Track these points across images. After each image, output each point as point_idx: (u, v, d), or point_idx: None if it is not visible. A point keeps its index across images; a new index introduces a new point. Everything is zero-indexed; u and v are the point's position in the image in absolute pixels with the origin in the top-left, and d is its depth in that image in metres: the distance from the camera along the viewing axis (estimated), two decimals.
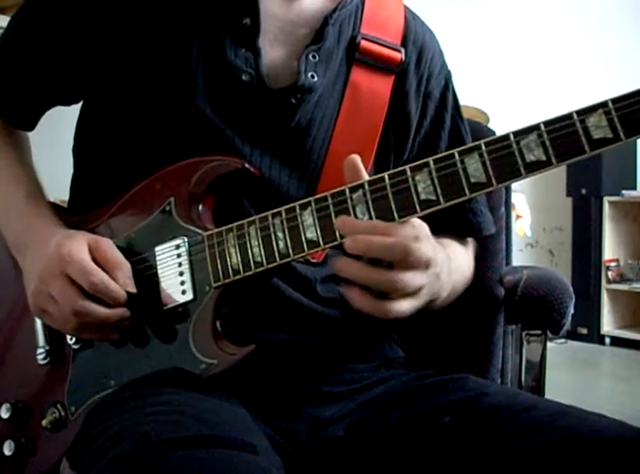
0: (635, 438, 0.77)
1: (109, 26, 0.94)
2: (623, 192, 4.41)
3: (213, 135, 0.93)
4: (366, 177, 0.82)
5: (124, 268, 0.89)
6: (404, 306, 0.81)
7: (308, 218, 0.84)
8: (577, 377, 3.82)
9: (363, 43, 0.98)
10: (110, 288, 0.87)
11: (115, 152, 0.99)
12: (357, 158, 0.83)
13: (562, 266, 4.70)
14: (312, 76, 0.95)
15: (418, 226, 0.82)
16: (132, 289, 0.88)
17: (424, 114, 1.05)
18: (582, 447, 0.78)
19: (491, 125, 1.31)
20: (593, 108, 0.72)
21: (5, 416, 0.99)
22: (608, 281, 4.48)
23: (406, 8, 1.06)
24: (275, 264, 0.85)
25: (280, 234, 0.85)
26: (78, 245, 0.88)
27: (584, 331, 4.50)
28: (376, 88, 0.99)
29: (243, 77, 0.93)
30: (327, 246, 0.84)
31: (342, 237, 0.82)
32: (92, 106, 1.02)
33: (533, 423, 0.83)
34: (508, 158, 0.76)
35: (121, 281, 0.88)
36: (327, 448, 0.93)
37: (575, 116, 0.73)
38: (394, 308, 0.81)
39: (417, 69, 1.03)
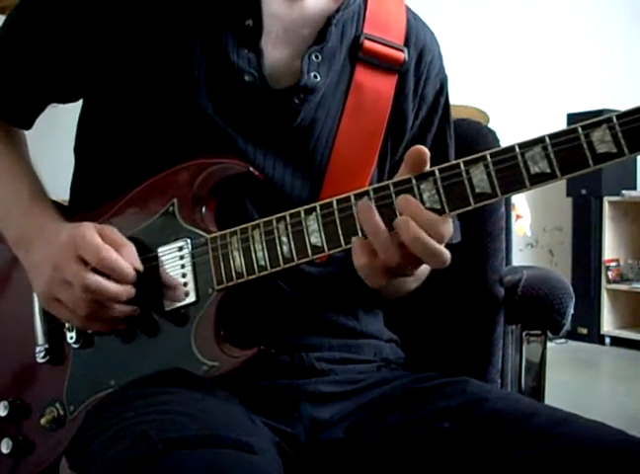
0: (636, 449, 0.77)
1: (111, 25, 0.94)
2: (623, 192, 4.40)
3: (216, 136, 0.93)
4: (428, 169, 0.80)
5: (130, 247, 0.90)
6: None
7: (313, 224, 0.84)
8: (577, 377, 3.82)
9: (367, 43, 0.98)
10: (119, 263, 0.88)
11: (116, 152, 0.99)
12: (423, 149, 0.80)
13: (562, 266, 4.70)
14: (315, 76, 0.95)
15: (449, 226, 0.81)
16: (139, 266, 0.89)
17: (416, 115, 1.05)
18: (582, 457, 0.77)
19: (491, 125, 1.31)
20: (597, 123, 0.73)
21: (3, 414, 0.99)
22: (608, 281, 4.48)
23: (408, 9, 1.06)
24: (278, 268, 0.86)
25: (284, 238, 0.85)
26: (89, 230, 0.89)
27: (584, 331, 4.50)
28: (380, 88, 0.99)
29: (245, 78, 0.93)
30: (331, 251, 0.84)
31: (346, 243, 0.82)
32: (93, 105, 1.02)
33: (534, 430, 0.82)
34: (513, 169, 0.76)
35: (127, 259, 0.89)
36: (326, 451, 0.93)
37: (580, 130, 0.74)
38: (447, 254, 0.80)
39: (416, 70, 1.03)
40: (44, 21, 0.97)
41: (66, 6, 0.95)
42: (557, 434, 0.81)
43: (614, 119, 0.72)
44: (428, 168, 0.80)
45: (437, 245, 0.78)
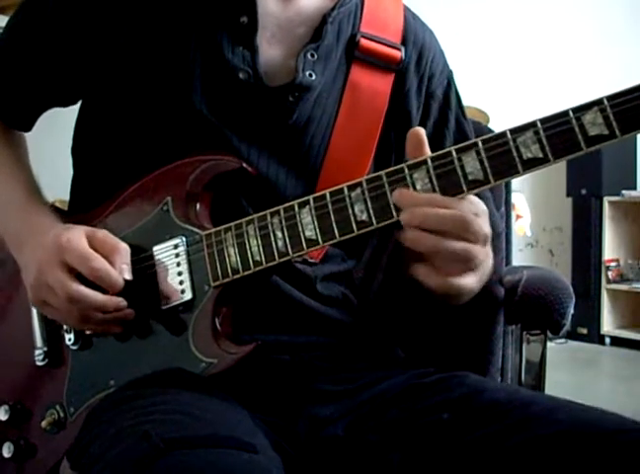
0: (633, 430, 0.77)
1: (106, 26, 0.94)
2: (623, 192, 4.40)
3: (211, 134, 0.93)
4: (429, 152, 0.81)
5: (123, 252, 0.89)
6: (469, 281, 0.83)
7: (307, 217, 0.84)
8: (577, 377, 3.82)
9: (363, 42, 0.98)
10: (110, 273, 0.86)
11: (113, 152, 0.99)
12: (421, 131, 0.83)
13: (562, 266, 4.69)
14: (310, 74, 0.95)
15: (476, 202, 0.83)
16: (128, 276, 0.88)
17: (427, 114, 1.05)
18: (580, 440, 0.77)
19: (491, 125, 1.31)
20: (588, 105, 0.74)
21: (3, 418, 0.99)
22: (608, 281, 4.48)
23: (406, 8, 1.06)
24: (274, 262, 0.86)
25: (278, 233, 0.85)
26: (76, 234, 0.88)
27: (584, 331, 4.50)
28: (376, 86, 0.99)
29: (240, 75, 0.93)
30: (326, 244, 0.84)
31: (341, 236, 0.82)
32: (90, 106, 1.02)
33: (532, 417, 0.83)
34: (505, 155, 0.76)
35: (117, 266, 0.87)
36: (326, 448, 0.93)
37: (571, 113, 0.74)
38: (461, 282, 0.82)
39: (417, 69, 1.03)
40: (42, 23, 0.97)
41: (63, 8, 0.96)
42: (555, 419, 0.81)
43: (605, 102, 0.73)
44: (427, 148, 0.81)
45: (446, 212, 0.78)
